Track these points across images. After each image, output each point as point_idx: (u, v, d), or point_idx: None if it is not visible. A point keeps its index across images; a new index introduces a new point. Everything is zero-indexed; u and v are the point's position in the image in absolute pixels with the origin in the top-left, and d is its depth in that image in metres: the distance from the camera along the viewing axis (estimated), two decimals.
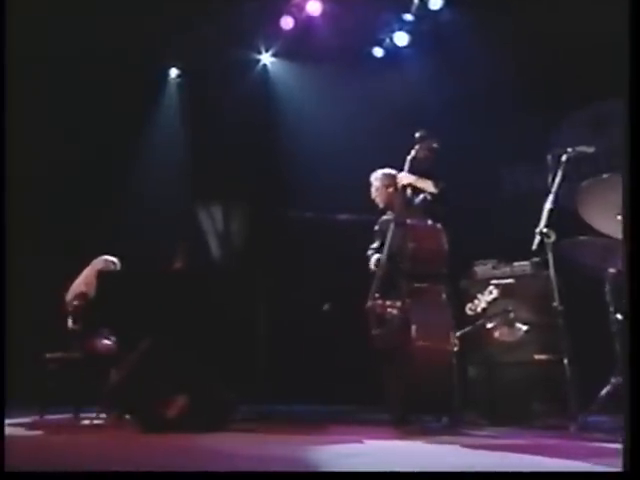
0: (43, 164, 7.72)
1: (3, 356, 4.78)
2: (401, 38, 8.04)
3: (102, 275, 5.58)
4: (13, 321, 6.53)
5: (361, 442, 4.09)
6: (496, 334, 5.14)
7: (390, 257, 4.92)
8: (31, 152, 7.46)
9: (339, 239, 6.26)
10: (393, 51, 8.13)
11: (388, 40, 8.14)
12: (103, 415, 5.70)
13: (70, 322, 5.92)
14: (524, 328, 5.04)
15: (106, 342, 5.85)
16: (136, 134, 8.36)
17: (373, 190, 5.37)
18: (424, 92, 7.60)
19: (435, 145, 4.99)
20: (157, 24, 7.61)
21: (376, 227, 5.39)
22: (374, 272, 5.13)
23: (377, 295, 4.92)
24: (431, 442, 4.03)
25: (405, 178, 5.05)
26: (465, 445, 3.88)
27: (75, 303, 5.85)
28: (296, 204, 7.03)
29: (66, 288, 6.08)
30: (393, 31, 8.06)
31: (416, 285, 4.69)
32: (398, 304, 4.73)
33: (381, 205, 5.34)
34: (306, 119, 8.03)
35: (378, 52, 8.24)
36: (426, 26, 7.88)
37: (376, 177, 5.37)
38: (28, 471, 2.85)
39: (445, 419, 4.74)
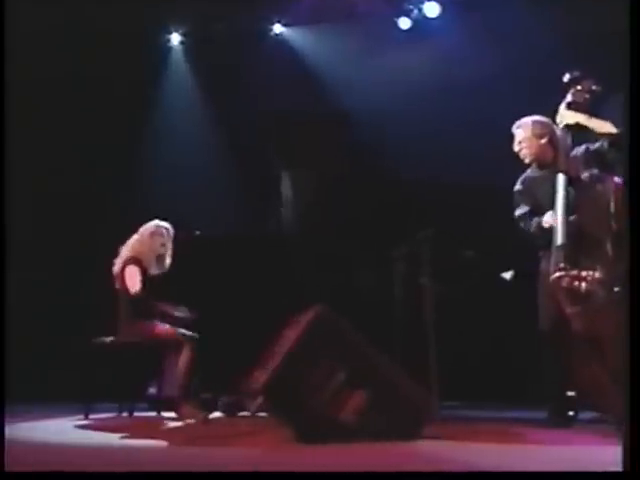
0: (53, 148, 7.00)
1: (3, 353, 4.11)
2: (431, 8, 7.45)
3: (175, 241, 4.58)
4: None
5: None
6: None
7: (577, 220, 4.04)
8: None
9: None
10: (422, 23, 7.54)
11: (416, 11, 7.55)
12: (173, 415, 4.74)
13: (121, 301, 4.90)
14: None
15: (169, 325, 4.86)
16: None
17: (517, 141, 4.51)
18: (455, 69, 7.10)
19: (595, 87, 4.24)
20: None
21: (518, 186, 4.56)
22: (540, 238, 4.32)
23: (562, 265, 3.96)
24: None
25: (570, 116, 4.19)
26: None
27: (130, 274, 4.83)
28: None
29: (110, 260, 5.05)
30: (422, 1, 7.48)
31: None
32: (597, 275, 3.83)
33: (528, 159, 4.50)
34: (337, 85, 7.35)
35: (405, 23, 7.62)
36: None
37: (524, 126, 4.50)
38: (28, 471, 2.61)
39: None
